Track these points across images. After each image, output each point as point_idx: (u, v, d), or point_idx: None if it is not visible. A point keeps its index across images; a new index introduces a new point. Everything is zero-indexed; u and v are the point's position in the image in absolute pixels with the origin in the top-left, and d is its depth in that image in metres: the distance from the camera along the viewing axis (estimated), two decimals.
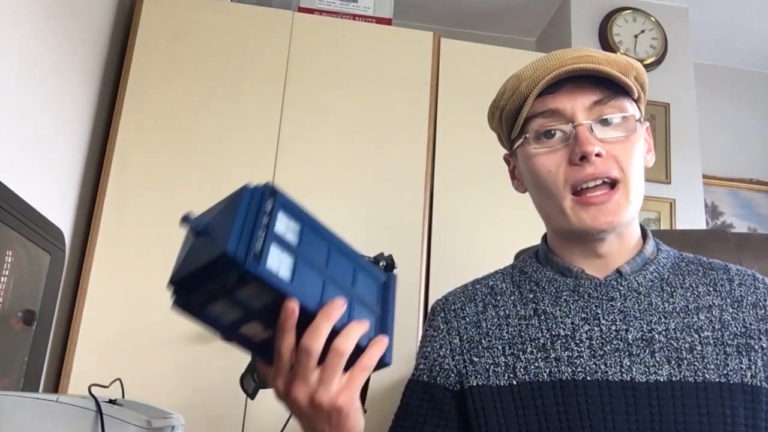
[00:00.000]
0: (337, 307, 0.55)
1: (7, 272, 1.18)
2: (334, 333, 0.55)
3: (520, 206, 1.83)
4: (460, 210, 1.84)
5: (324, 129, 1.81)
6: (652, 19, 2.39)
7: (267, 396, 1.30)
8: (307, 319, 0.54)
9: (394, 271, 0.62)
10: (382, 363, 0.59)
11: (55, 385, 1.56)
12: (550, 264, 0.84)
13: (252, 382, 1.10)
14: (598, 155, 0.74)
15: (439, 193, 1.84)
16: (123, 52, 1.81)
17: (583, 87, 0.76)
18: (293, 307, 0.53)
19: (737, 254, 1.14)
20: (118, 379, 1.07)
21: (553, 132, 0.77)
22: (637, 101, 0.80)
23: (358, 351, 0.57)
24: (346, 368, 0.56)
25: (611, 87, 0.76)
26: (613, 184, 0.75)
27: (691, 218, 2.21)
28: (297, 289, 0.54)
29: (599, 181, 0.75)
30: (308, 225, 0.58)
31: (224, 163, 1.74)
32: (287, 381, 0.57)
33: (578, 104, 0.76)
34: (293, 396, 0.57)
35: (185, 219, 0.54)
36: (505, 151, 0.89)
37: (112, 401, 0.88)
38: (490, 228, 1.83)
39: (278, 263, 0.53)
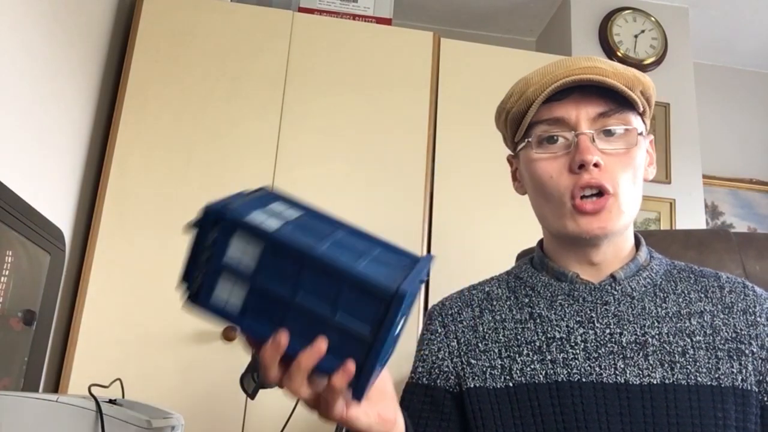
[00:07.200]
0: (274, 348, 0.52)
1: (7, 272, 1.18)
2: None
3: (520, 206, 1.83)
4: (460, 210, 1.84)
5: (324, 129, 1.81)
6: (652, 19, 2.39)
7: (267, 396, 1.30)
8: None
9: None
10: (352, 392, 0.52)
11: (55, 385, 1.56)
12: (546, 269, 0.85)
13: (252, 382, 1.10)
14: (596, 165, 0.75)
15: (439, 193, 1.84)
16: (123, 52, 1.81)
17: (589, 97, 0.77)
18: (247, 336, 0.55)
19: (739, 254, 1.13)
20: (118, 379, 1.07)
21: (555, 138, 0.79)
22: (642, 115, 0.81)
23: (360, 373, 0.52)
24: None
25: (617, 99, 0.77)
26: (606, 193, 0.76)
27: (691, 218, 2.21)
28: (246, 321, 0.52)
29: (595, 190, 0.76)
30: (272, 245, 0.51)
31: (224, 163, 1.74)
32: None
33: (583, 114, 0.77)
34: None
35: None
36: (508, 152, 0.90)
37: (112, 401, 0.89)
38: (490, 228, 1.83)
39: (227, 295, 0.52)
